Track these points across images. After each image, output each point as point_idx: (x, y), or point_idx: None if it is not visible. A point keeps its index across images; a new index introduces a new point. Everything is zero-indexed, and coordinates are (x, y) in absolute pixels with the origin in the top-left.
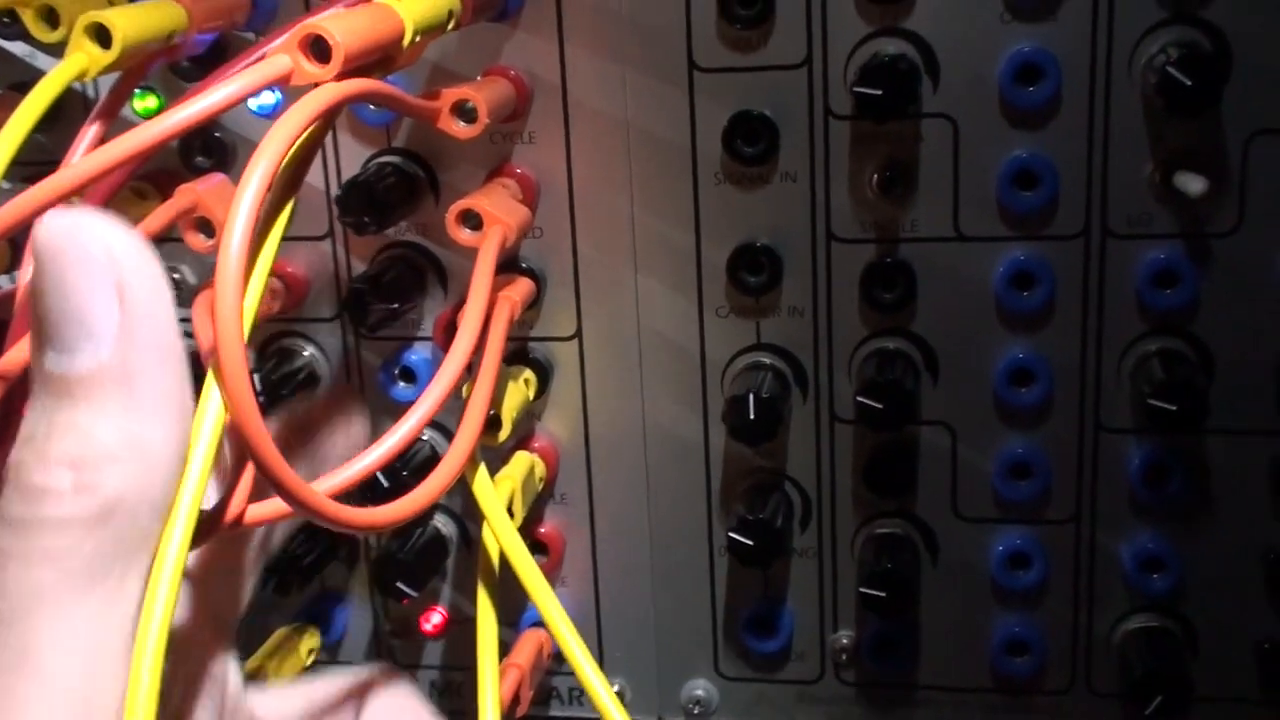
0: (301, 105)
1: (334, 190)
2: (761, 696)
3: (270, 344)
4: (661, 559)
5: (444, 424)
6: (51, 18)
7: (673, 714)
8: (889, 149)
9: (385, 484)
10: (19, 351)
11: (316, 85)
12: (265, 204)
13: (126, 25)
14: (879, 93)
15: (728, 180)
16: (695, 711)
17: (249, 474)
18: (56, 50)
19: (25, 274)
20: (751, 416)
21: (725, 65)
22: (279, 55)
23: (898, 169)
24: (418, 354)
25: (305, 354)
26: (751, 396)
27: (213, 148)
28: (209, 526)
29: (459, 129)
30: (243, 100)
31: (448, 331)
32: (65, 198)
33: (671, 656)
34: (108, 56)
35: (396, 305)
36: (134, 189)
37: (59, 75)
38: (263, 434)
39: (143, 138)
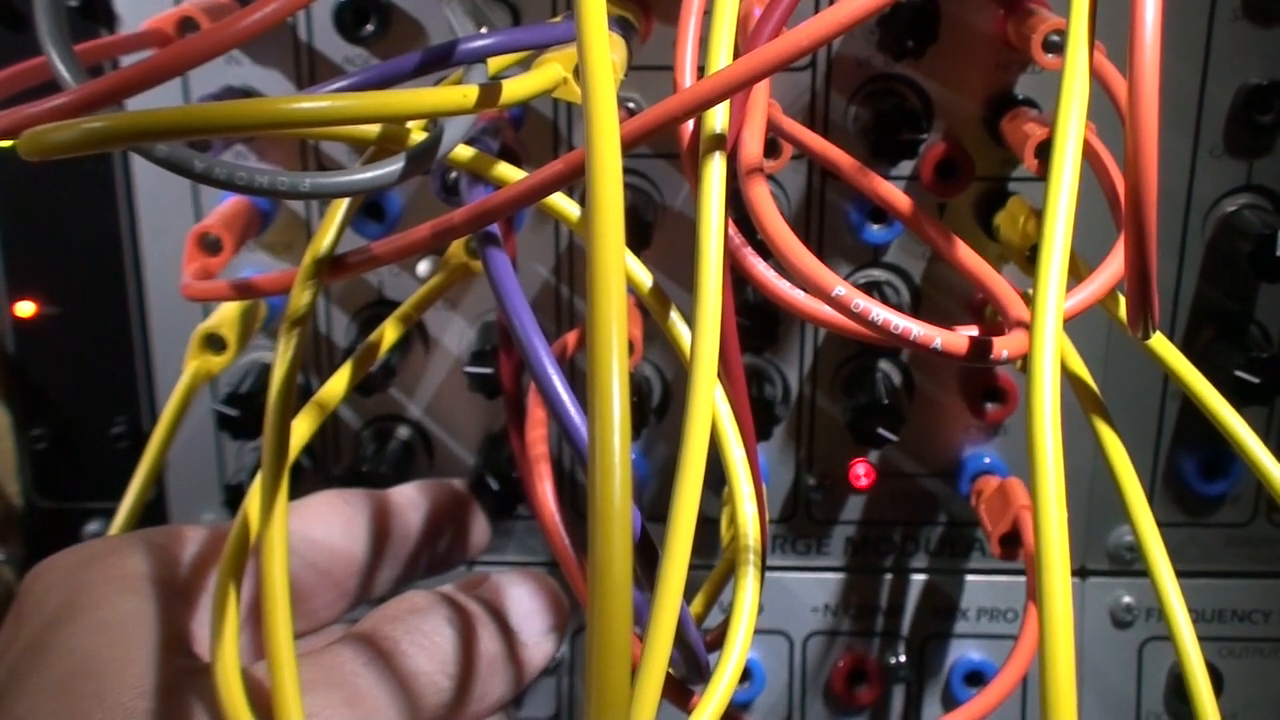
0: None
1: None
2: (1191, 540)
3: None
4: (1109, 405)
5: None
6: None
7: (1096, 561)
8: None
9: None
10: None
11: None
12: None
13: None
14: None
15: (1245, 16)
16: (1127, 558)
17: None
18: None
19: None
20: (1279, 253)
21: None
22: None
23: None
24: None
25: None
26: None
27: None
28: None
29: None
30: None
31: (936, 170)
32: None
33: (1102, 503)
34: None
35: (925, 137)
36: None
37: None
38: None
39: None
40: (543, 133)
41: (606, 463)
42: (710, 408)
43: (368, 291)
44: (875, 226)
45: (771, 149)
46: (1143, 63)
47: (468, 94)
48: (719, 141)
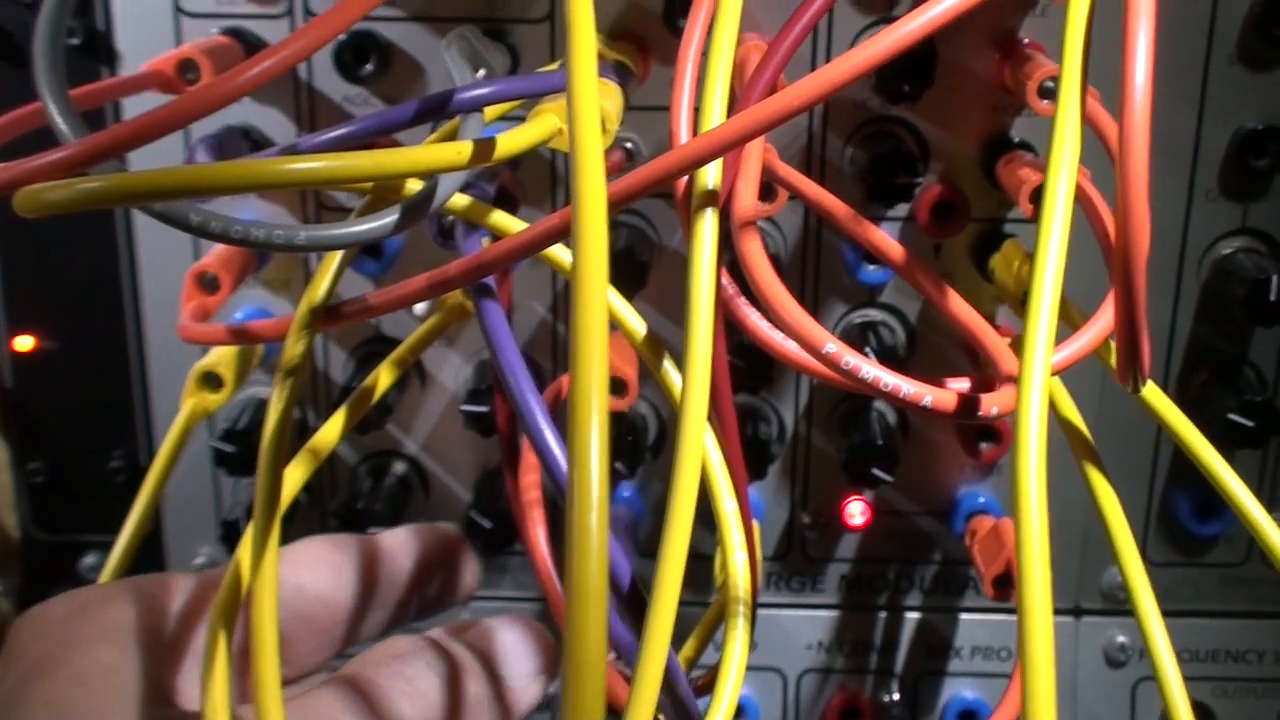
0: None
1: (819, 61)
2: (1184, 580)
3: None
4: (1104, 444)
5: None
6: None
7: (1089, 600)
8: None
9: None
10: None
11: None
12: None
13: None
14: None
15: (1240, 61)
16: (1121, 597)
17: None
18: None
19: None
20: (1273, 297)
21: None
22: None
23: None
24: None
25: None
26: (1275, 278)
27: None
28: None
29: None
30: None
31: (932, 212)
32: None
33: (1097, 543)
34: None
35: (920, 180)
36: None
37: None
38: None
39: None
40: (540, 173)
41: (584, 555)
42: (698, 464)
43: (365, 328)
44: (871, 267)
45: (767, 193)
46: (1132, 146)
47: (461, 151)
48: (712, 198)
